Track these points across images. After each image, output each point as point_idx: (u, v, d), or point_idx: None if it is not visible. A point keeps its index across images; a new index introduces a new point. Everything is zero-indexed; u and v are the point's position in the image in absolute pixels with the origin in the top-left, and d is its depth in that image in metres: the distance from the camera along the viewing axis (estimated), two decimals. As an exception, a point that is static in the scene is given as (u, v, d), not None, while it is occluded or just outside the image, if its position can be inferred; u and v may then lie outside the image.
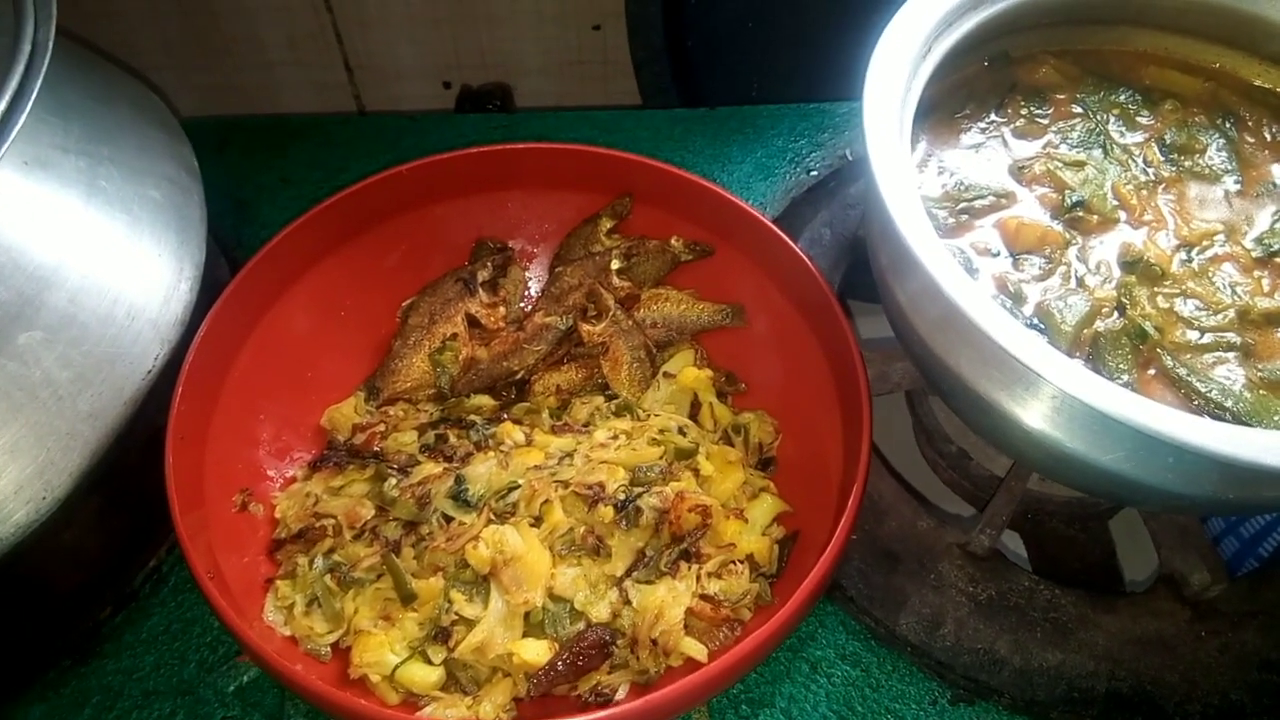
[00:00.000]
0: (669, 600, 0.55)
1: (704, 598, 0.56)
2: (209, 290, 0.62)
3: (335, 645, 0.57)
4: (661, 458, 0.61)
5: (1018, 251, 0.59)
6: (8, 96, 0.49)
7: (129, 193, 0.60)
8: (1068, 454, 0.50)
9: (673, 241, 0.71)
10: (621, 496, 0.58)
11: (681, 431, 0.63)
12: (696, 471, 0.61)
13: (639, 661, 0.55)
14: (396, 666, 0.55)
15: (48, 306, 0.54)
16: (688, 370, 0.68)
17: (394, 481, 0.60)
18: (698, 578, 0.57)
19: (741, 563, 0.58)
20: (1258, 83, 0.68)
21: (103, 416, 0.55)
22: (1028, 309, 0.56)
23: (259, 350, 0.64)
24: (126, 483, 0.62)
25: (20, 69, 0.50)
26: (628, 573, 0.57)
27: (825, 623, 0.63)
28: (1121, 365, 0.54)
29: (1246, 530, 0.70)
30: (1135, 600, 0.63)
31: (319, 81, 1.10)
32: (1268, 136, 0.66)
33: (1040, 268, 0.58)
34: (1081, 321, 0.55)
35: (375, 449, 0.63)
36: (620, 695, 0.55)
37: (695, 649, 0.55)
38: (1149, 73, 0.69)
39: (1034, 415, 0.50)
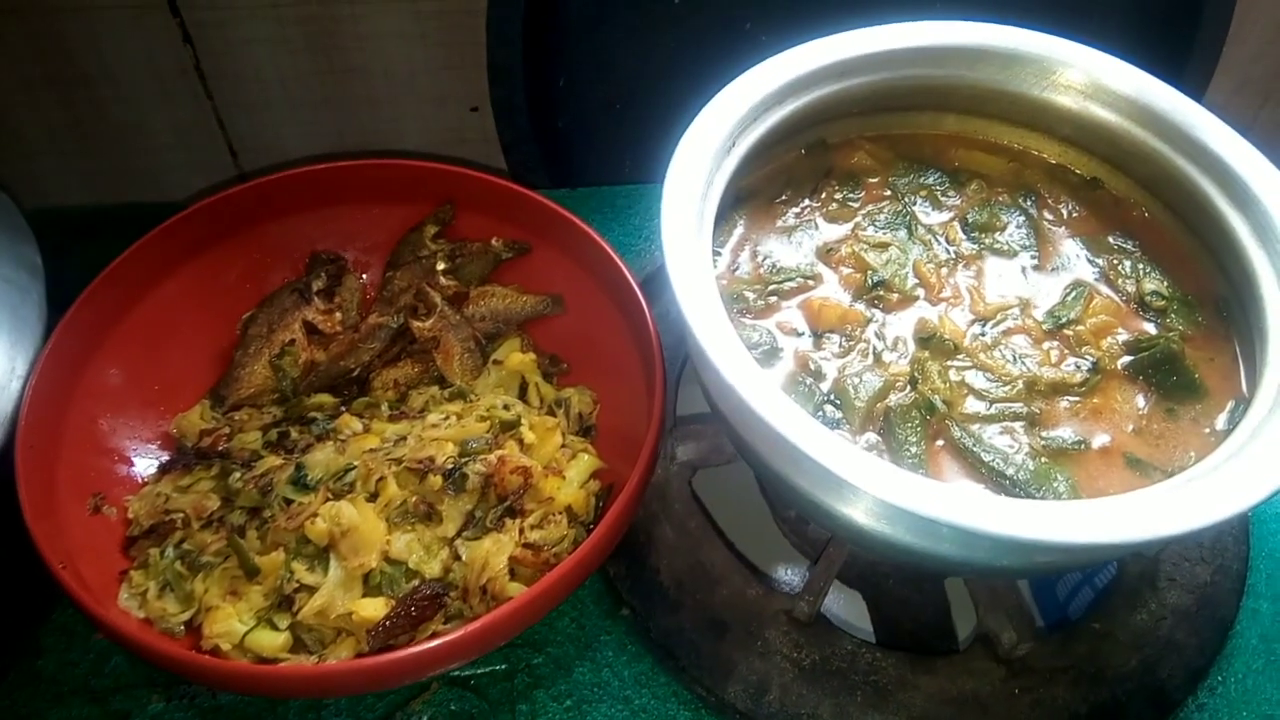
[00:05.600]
0: (494, 550, 0.61)
1: (527, 546, 0.62)
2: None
3: (189, 625, 0.61)
4: (488, 431, 0.67)
5: (820, 330, 0.62)
6: None
7: (-41, 298, 0.61)
8: (862, 530, 0.53)
9: (493, 242, 0.78)
10: (449, 466, 0.63)
11: (506, 407, 0.70)
12: (521, 441, 0.67)
13: (471, 609, 0.61)
14: (245, 634, 0.59)
15: None
16: (514, 356, 0.75)
17: (238, 475, 0.65)
18: (520, 529, 0.63)
19: (560, 514, 0.65)
20: (1055, 161, 0.72)
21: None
22: (826, 385, 0.59)
23: (104, 368, 0.68)
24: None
25: None
26: (459, 533, 0.63)
27: (658, 694, 0.65)
28: (910, 438, 0.57)
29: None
30: (953, 660, 0.65)
31: (205, 164, 1.12)
32: (1064, 213, 0.70)
33: (840, 345, 0.61)
34: (874, 396, 0.58)
35: (221, 449, 0.68)
36: None
37: (518, 590, 0.61)
38: (958, 154, 0.74)
39: (827, 497, 0.53)
